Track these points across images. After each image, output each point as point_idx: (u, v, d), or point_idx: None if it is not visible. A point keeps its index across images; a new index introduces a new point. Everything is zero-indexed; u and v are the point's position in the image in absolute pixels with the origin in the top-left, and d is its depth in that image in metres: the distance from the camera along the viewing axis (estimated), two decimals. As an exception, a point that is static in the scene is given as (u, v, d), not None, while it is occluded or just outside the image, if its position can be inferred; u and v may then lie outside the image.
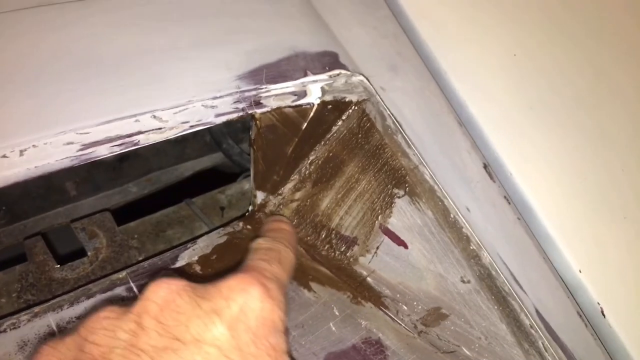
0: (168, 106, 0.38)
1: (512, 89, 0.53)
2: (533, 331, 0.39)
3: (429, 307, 0.43)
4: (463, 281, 0.42)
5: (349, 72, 0.46)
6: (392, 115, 0.46)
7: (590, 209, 0.47)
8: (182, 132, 0.39)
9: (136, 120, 0.37)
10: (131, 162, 0.75)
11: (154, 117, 0.38)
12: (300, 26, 0.48)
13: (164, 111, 0.38)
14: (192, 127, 0.39)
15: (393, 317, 0.43)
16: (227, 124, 0.65)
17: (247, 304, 0.27)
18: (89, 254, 0.53)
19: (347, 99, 0.46)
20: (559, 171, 0.49)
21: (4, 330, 0.39)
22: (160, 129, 0.38)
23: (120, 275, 0.43)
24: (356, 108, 0.47)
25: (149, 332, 0.26)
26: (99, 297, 0.41)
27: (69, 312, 0.40)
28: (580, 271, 0.44)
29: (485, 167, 0.47)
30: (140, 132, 0.37)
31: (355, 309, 0.43)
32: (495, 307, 0.40)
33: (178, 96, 0.39)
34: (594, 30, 0.58)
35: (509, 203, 0.46)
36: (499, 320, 0.40)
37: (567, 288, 0.44)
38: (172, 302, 0.26)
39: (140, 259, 0.51)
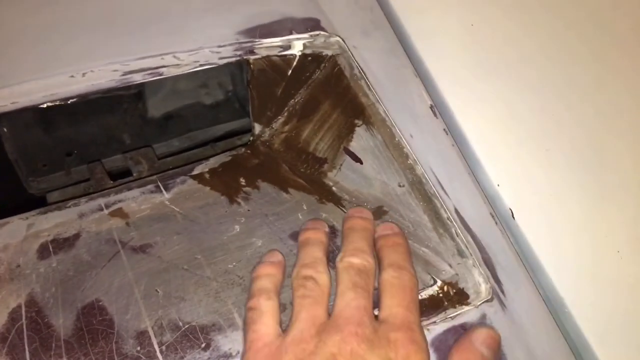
0: (185, 49, 0.54)
1: (463, 49, 0.65)
2: (448, 222, 0.52)
3: (375, 206, 0.56)
4: (400, 185, 0.55)
5: (327, 34, 0.61)
6: (359, 66, 0.60)
7: (515, 141, 0.59)
8: (193, 68, 0.55)
9: (162, 58, 0.53)
10: (175, 121, 0.92)
11: (174, 56, 0.54)
12: (292, -1, 0.63)
13: (182, 53, 0.54)
14: (201, 65, 0.55)
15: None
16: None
17: (408, 357, 0.40)
18: (134, 174, 0.70)
19: (324, 53, 0.61)
20: (493, 111, 0.61)
21: (69, 207, 0.56)
22: (178, 65, 0.54)
23: (152, 179, 0.60)
24: (331, 60, 0.61)
25: None
26: (135, 189, 0.58)
27: (114, 197, 0.57)
28: (498, 185, 0.56)
29: (431, 107, 0.60)
30: (164, 66, 0.53)
31: (319, 206, 0.57)
32: (421, 204, 0.53)
33: (192, 43, 0.55)
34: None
35: (447, 134, 0.59)
36: (422, 213, 0.53)
37: (486, 197, 0.56)
38: (356, 351, 0.39)
39: (168, 168, 0.67)
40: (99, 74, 0.51)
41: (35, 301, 0.47)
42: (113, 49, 0.52)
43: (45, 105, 0.49)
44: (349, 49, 0.61)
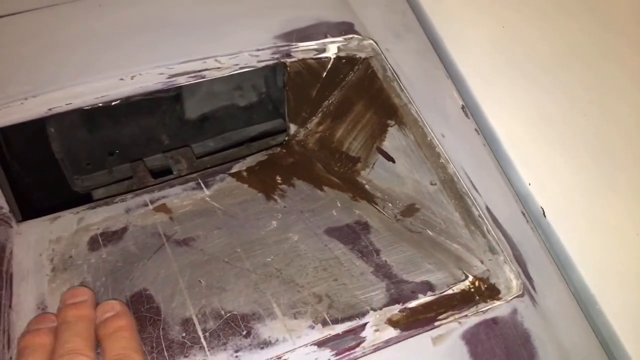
0: (226, 53, 0.57)
1: (494, 51, 0.67)
2: (480, 219, 0.53)
3: (407, 203, 0.58)
4: (432, 184, 0.56)
5: (360, 37, 0.63)
6: (392, 68, 0.62)
7: (546, 142, 0.60)
8: (233, 71, 0.57)
9: (204, 62, 0.56)
10: (211, 122, 0.95)
11: (216, 60, 0.57)
12: (327, 4, 0.65)
13: (222, 57, 0.57)
14: (241, 68, 0.58)
15: (380, 210, 0.58)
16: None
17: None
18: (174, 172, 0.73)
19: (357, 56, 0.63)
20: (524, 111, 0.62)
21: (116, 202, 0.59)
22: (219, 68, 0.57)
23: (193, 176, 0.62)
24: (364, 62, 0.63)
25: None
26: (177, 186, 0.61)
27: (158, 194, 0.60)
28: (529, 184, 0.57)
29: (462, 107, 0.62)
30: (206, 70, 0.56)
31: (352, 203, 0.59)
32: (453, 202, 0.55)
33: (232, 47, 0.58)
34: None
35: (478, 134, 0.60)
36: (454, 210, 0.54)
37: (518, 196, 0.57)
38: None
39: (208, 167, 0.70)
40: (146, 77, 0.54)
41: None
42: (159, 53, 0.55)
43: (89, 107, 0.52)
44: (381, 52, 0.62)
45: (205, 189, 0.60)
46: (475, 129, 0.60)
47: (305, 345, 0.45)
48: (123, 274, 0.51)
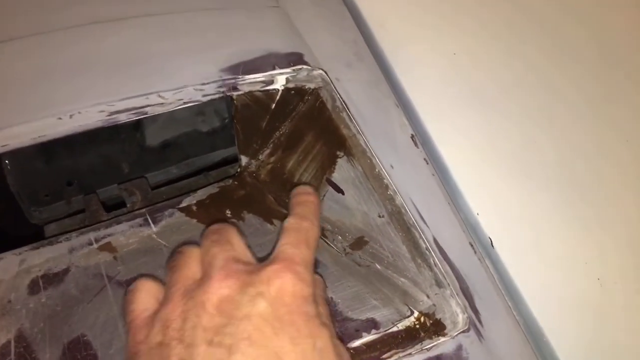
0: (169, 88, 0.56)
1: (444, 79, 0.67)
2: (427, 252, 0.53)
3: (356, 236, 0.57)
4: (380, 216, 0.56)
5: (309, 67, 0.62)
6: (341, 98, 0.61)
7: (495, 171, 0.60)
8: (177, 106, 0.57)
9: (146, 98, 0.55)
10: (173, 149, 0.94)
11: (159, 95, 0.56)
12: (276, 34, 0.65)
13: (166, 92, 0.56)
14: (185, 103, 0.57)
15: (329, 243, 0.58)
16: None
17: (282, 287, 0.36)
18: (128, 205, 0.72)
19: (306, 86, 0.62)
20: (473, 140, 0.62)
21: (60, 241, 0.58)
22: (162, 104, 0.56)
23: (142, 212, 0.61)
24: (314, 93, 0.63)
25: (212, 315, 0.35)
26: (125, 223, 0.59)
27: (104, 232, 0.59)
28: (477, 214, 0.57)
29: (412, 137, 0.61)
30: (148, 105, 0.55)
31: (302, 237, 0.58)
32: (400, 234, 0.54)
33: (176, 82, 0.57)
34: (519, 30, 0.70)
35: (427, 163, 0.60)
36: (401, 243, 0.54)
37: (466, 226, 0.57)
38: (227, 295, 0.36)
39: (162, 199, 0.69)
40: (85, 115, 0.53)
41: (24, 336, 0.48)
42: (99, 90, 0.54)
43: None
44: (331, 82, 0.62)
45: (152, 225, 0.59)
46: (425, 159, 0.60)
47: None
48: (62, 318, 0.50)
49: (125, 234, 0.58)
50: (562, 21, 0.72)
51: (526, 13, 0.71)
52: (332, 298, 0.52)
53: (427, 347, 0.48)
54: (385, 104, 0.64)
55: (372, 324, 0.49)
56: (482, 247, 0.56)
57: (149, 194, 0.75)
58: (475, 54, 0.69)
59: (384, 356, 0.47)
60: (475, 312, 0.51)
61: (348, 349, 0.47)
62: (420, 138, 0.62)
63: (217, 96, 0.58)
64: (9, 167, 0.82)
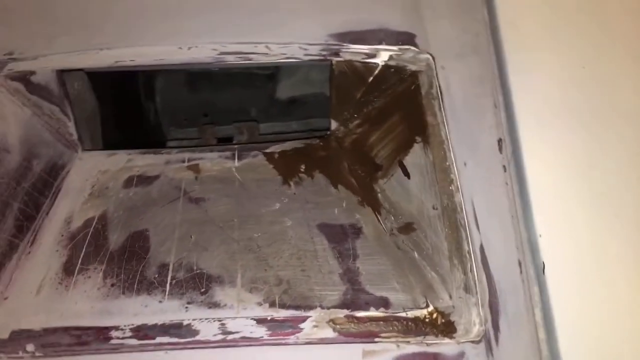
0: (277, 42, 0.61)
1: (562, 92, 0.62)
2: (467, 255, 0.52)
3: (407, 221, 0.58)
4: (434, 208, 0.56)
5: (417, 50, 0.63)
6: (439, 85, 0.61)
7: (577, 199, 0.55)
8: (279, 59, 0.62)
9: (255, 46, 0.61)
10: (297, 105, 1.01)
11: (266, 46, 0.61)
12: (395, 11, 0.65)
13: (273, 44, 0.61)
14: (287, 58, 0.62)
15: (380, 220, 0.59)
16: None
17: None
18: (234, 141, 0.80)
19: (407, 67, 0.63)
20: (566, 163, 0.57)
21: (162, 153, 0.67)
22: (266, 54, 0.61)
23: (233, 147, 0.69)
24: (413, 75, 0.63)
25: None
26: (217, 152, 0.67)
27: (198, 155, 0.67)
28: (540, 235, 0.54)
29: (499, 141, 0.59)
30: (254, 53, 0.61)
31: (357, 207, 0.60)
32: (446, 230, 0.53)
33: (285, 38, 0.62)
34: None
35: (505, 171, 0.57)
36: (444, 239, 0.53)
37: (522, 243, 0.54)
38: None
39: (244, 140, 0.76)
40: (200, 49, 0.61)
41: (105, 217, 0.59)
42: (217, 31, 0.61)
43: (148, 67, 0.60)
44: (435, 68, 0.62)
45: (236, 160, 0.66)
46: (504, 166, 0.58)
47: (246, 317, 0.49)
48: (137, 212, 0.59)
49: (212, 161, 0.66)
50: None
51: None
52: (358, 268, 0.53)
53: (428, 341, 0.48)
54: (483, 102, 0.62)
55: (384, 303, 0.50)
56: (531, 269, 0.52)
57: (254, 137, 0.82)
58: (605, 72, 0.62)
59: (382, 334, 0.48)
60: (496, 328, 0.49)
61: (352, 316, 0.49)
62: (507, 144, 0.59)
63: (317, 58, 0.62)
64: (160, 87, 0.96)
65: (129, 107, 0.92)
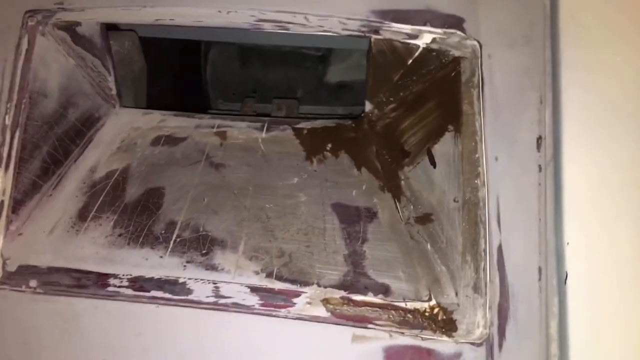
0: (316, 13, 0.60)
1: (617, 97, 0.57)
2: (482, 253, 0.48)
3: (426, 212, 0.54)
4: (455, 200, 0.52)
5: (464, 35, 0.59)
6: (481, 74, 0.57)
7: (613, 210, 0.50)
8: (316, 31, 0.60)
9: (293, 16, 0.60)
10: (347, 91, 0.99)
11: (305, 17, 0.60)
12: (446, -6, 0.62)
13: (312, 16, 0.60)
14: (324, 31, 0.60)
15: (398, 207, 0.56)
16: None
17: None
18: (271, 115, 0.79)
19: (450, 52, 0.60)
20: (607, 171, 0.52)
21: (194, 117, 0.68)
22: (304, 25, 0.60)
23: (264, 119, 0.68)
24: (455, 61, 0.59)
25: None
26: (247, 122, 0.66)
27: (228, 122, 0.67)
28: (567, 243, 0.49)
29: (538, 138, 0.55)
30: (292, 23, 0.60)
31: (376, 192, 0.58)
32: (464, 225, 0.50)
33: (325, 10, 0.60)
34: None
35: (540, 171, 0.53)
36: (460, 234, 0.50)
37: (546, 249, 0.49)
38: None
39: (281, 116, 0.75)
40: (239, 14, 0.60)
41: (127, 170, 0.60)
42: (258, -2, 0.61)
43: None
44: (480, 56, 0.58)
45: (264, 132, 0.65)
46: (540, 165, 0.53)
47: (241, 284, 0.48)
48: (158, 170, 0.60)
49: (240, 130, 0.65)
50: None
51: None
52: (364, 252, 0.51)
53: (423, 336, 0.45)
54: (528, 96, 0.57)
55: (384, 290, 0.48)
56: (552, 277, 0.48)
57: (292, 114, 0.81)
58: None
59: (376, 321, 0.46)
60: (501, 334, 0.45)
61: (348, 298, 0.47)
62: (547, 144, 0.54)
63: (356, 34, 0.60)
64: (213, 58, 0.97)
65: (179, 75, 0.93)
